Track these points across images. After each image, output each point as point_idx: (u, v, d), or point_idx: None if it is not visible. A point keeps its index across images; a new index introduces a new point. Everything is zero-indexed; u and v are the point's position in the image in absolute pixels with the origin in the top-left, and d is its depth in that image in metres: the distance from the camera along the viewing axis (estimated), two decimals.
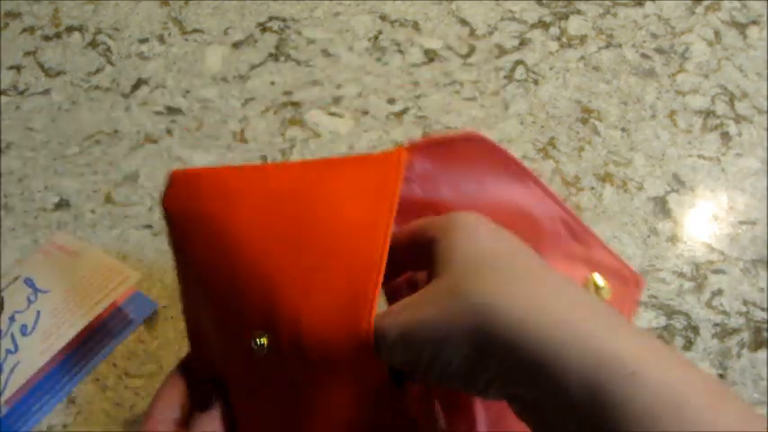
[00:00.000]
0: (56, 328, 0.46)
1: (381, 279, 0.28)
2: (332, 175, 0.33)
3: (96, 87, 0.58)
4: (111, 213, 0.51)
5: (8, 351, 0.45)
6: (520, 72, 0.58)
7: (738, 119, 0.55)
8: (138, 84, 0.58)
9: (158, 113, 0.56)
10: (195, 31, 0.61)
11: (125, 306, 0.47)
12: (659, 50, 0.59)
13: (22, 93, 0.58)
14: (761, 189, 0.52)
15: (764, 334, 0.46)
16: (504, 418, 0.34)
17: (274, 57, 0.59)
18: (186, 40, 0.60)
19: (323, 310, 0.29)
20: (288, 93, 0.57)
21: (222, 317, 0.33)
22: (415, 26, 0.61)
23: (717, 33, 0.60)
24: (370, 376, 0.29)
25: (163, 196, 0.35)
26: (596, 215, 0.50)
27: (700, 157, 0.53)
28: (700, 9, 0.61)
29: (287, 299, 0.30)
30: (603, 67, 0.58)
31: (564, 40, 0.60)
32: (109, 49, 0.60)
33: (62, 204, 0.52)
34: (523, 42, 0.59)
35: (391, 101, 0.56)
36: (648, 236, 0.50)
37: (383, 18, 0.61)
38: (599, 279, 0.38)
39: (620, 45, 0.59)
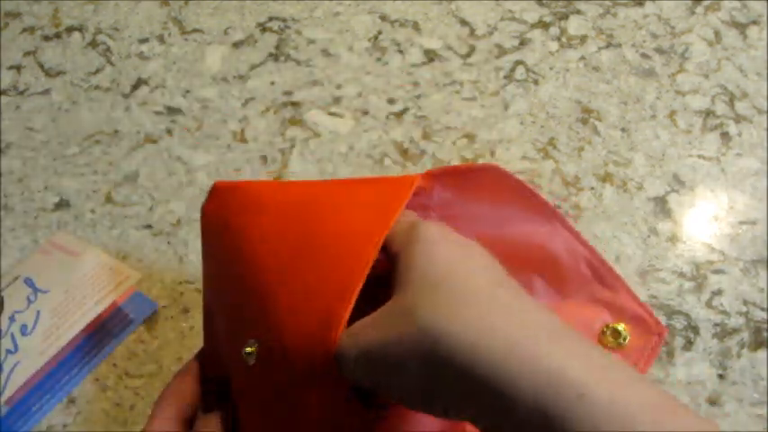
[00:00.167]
0: (56, 328, 0.46)
1: (353, 299, 0.28)
2: (344, 193, 0.34)
3: (96, 87, 0.58)
4: (111, 213, 0.51)
5: (8, 351, 0.45)
6: (520, 72, 0.58)
7: (738, 119, 0.55)
8: (138, 84, 0.58)
9: (158, 113, 0.56)
10: (195, 31, 0.61)
11: (125, 306, 0.47)
12: (659, 50, 0.59)
13: (22, 93, 0.58)
14: (761, 189, 0.52)
15: (764, 334, 0.46)
16: None
17: (274, 57, 0.59)
18: (186, 40, 0.60)
19: (302, 325, 0.29)
20: (288, 93, 0.57)
21: (228, 321, 0.34)
22: (415, 26, 0.61)
23: (717, 33, 0.60)
24: (338, 396, 0.28)
25: (203, 204, 0.37)
26: (596, 215, 0.50)
27: (700, 157, 0.53)
28: (700, 9, 0.61)
29: (276, 311, 0.30)
30: (603, 67, 0.58)
31: (564, 40, 0.60)
32: (109, 49, 0.60)
33: (62, 204, 0.52)
34: (523, 42, 0.59)
35: (391, 101, 0.56)
36: (648, 236, 0.50)
37: (383, 18, 0.61)
38: (619, 326, 0.38)
39: (620, 45, 0.59)
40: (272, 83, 0.58)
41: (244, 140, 0.55)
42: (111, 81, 0.58)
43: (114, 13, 0.62)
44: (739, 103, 0.56)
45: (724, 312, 0.47)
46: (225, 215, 0.35)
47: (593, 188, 0.52)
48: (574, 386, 0.24)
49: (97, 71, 0.59)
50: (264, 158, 0.54)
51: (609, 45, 0.59)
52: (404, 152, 0.54)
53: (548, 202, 0.37)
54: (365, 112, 0.56)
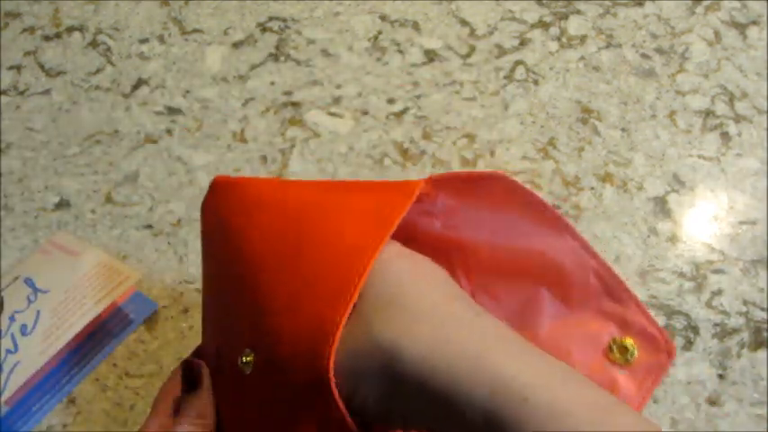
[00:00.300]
0: (56, 328, 0.46)
1: (347, 312, 0.27)
2: (345, 198, 0.33)
3: (96, 87, 0.58)
4: (111, 213, 0.51)
5: (8, 351, 0.45)
6: (520, 72, 0.58)
7: (738, 119, 0.55)
8: (138, 84, 0.58)
9: (158, 113, 0.56)
10: (195, 31, 0.61)
11: (125, 306, 0.47)
12: (659, 50, 0.59)
13: (22, 93, 0.58)
14: (761, 189, 0.52)
15: (764, 334, 0.46)
16: None
17: (274, 57, 0.59)
18: (186, 40, 0.60)
19: (297, 335, 0.28)
20: (288, 93, 0.57)
21: (223, 326, 0.34)
22: (415, 26, 0.61)
23: (717, 33, 0.60)
24: (329, 409, 0.27)
25: (203, 200, 0.37)
26: (596, 215, 0.50)
27: (700, 157, 0.53)
28: (700, 9, 0.61)
29: (272, 320, 0.30)
30: (603, 67, 0.58)
31: (564, 40, 0.60)
32: (109, 49, 0.60)
33: (62, 204, 0.52)
34: (523, 42, 0.59)
35: (391, 101, 0.56)
36: (648, 236, 0.50)
37: (383, 18, 0.61)
38: (627, 341, 0.37)
39: (620, 45, 0.59)
40: (272, 83, 0.58)
41: (244, 140, 0.55)
42: (112, 81, 0.58)
43: (114, 13, 0.62)
44: (739, 103, 0.56)
45: (724, 312, 0.47)
46: (224, 213, 0.35)
47: (593, 188, 0.52)
48: (518, 391, 0.25)
49: (97, 71, 0.59)
50: (264, 158, 0.54)
51: (609, 45, 0.59)
52: (404, 152, 0.54)
53: (558, 213, 0.36)
54: (365, 112, 0.56)
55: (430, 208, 0.36)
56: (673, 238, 0.49)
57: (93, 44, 0.61)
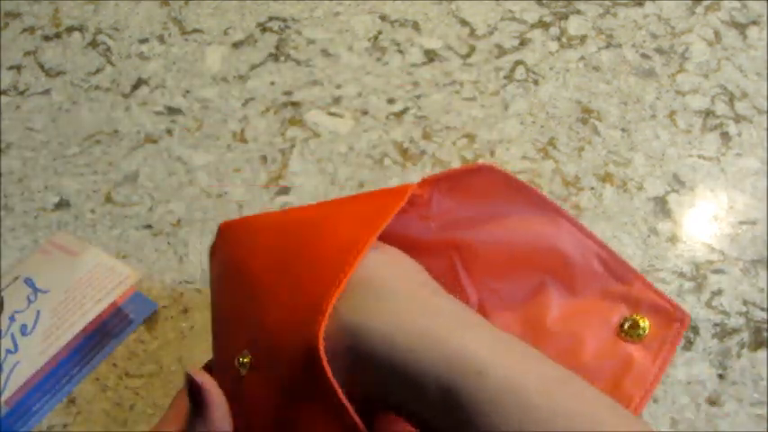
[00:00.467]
0: (56, 328, 0.46)
1: (334, 299, 0.28)
2: (342, 206, 0.34)
3: (96, 87, 0.58)
4: (111, 213, 0.51)
5: (8, 351, 0.45)
6: (520, 72, 0.58)
7: (738, 119, 0.55)
8: (138, 84, 0.58)
9: (158, 113, 0.56)
10: (195, 31, 0.61)
11: (125, 306, 0.47)
12: (659, 50, 0.59)
13: (22, 93, 0.58)
14: (761, 189, 0.52)
15: (764, 334, 0.46)
16: None
17: (274, 57, 0.59)
18: (186, 40, 0.60)
19: (290, 324, 0.29)
20: (288, 93, 0.57)
21: (222, 333, 0.35)
22: (415, 26, 0.61)
23: (717, 33, 0.60)
24: (327, 394, 0.27)
25: (211, 246, 0.38)
26: (596, 215, 0.50)
27: (700, 157, 0.53)
28: (700, 9, 0.61)
29: (268, 318, 0.30)
30: (603, 67, 0.58)
31: (564, 40, 0.60)
32: (109, 49, 0.60)
33: (62, 204, 0.52)
34: (523, 42, 0.59)
35: (391, 101, 0.56)
36: (648, 236, 0.50)
37: (383, 18, 0.61)
38: (637, 317, 0.37)
39: (620, 45, 0.59)
40: (272, 83, 0.58)
41: (244, 140, 0.55)
42: (112, 81, 0.58)
43: (114, 13, 0.62)
44: (739, 103, 0.56)
45: (724, 312, 0.47)
46: (231, 248, 0.36)
47: (593, 188, 0.52)
48: (474, 365, 0.26)
49: (97, 71, 0.59)
50: (264, 158, 0.54)
51: (609, 45, 0.59)
52: (404, 152, 0.54)
53: (549, 199, 0.36)
54: (365, 112, 0.56)
55: (425, 212, 0.36)
56: (673, 238, 0.49)
57: (93, 44, 0.61)
